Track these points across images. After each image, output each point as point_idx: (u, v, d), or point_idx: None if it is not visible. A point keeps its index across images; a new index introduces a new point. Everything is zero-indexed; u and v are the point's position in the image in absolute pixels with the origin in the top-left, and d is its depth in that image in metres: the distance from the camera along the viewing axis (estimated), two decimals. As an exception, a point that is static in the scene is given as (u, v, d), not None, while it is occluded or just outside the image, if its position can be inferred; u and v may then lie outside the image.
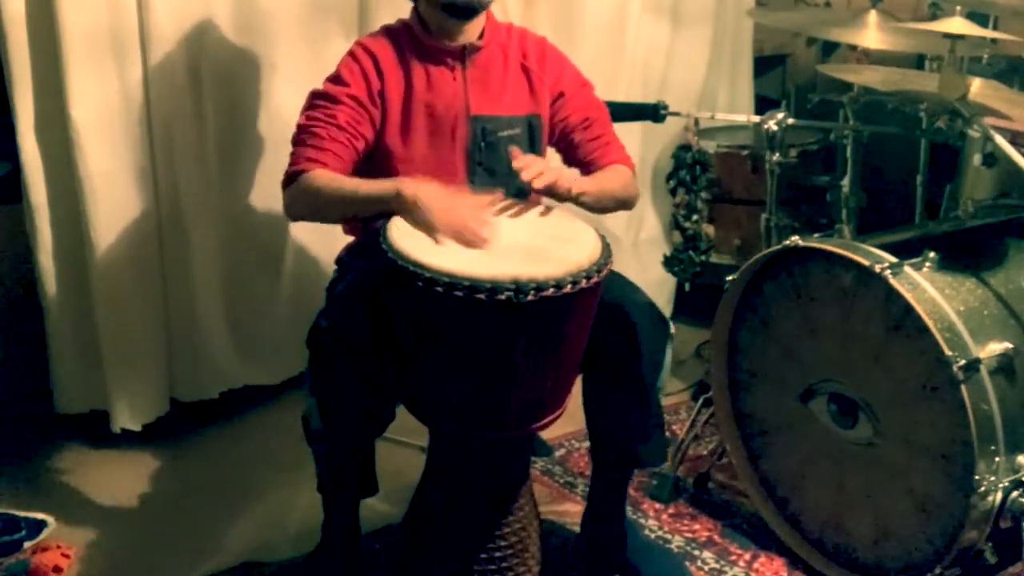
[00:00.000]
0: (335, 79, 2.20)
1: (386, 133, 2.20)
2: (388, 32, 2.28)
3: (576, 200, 2.13)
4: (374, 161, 2.19)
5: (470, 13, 2.20)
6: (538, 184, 2.02)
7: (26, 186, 2.58)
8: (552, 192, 2.08)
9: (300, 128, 2.18)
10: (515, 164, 2.03)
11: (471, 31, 2.23)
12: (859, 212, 2.80)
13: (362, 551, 2.26)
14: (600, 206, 2.24)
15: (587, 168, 2.33)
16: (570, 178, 2.11)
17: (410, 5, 2.27)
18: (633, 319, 2.05)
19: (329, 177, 2.10)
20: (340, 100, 2.16)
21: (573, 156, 2.36)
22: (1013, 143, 2.19)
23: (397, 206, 1.99)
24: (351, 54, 2.23)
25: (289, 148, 2.19)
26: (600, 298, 1.97)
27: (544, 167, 2.05)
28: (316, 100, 2.18)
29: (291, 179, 2.14)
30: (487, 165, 2.22)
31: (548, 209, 2.11)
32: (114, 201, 2.62)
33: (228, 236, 2.85)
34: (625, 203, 2.35)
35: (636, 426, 2.14)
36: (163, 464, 2.74)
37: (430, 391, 1.96)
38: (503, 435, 1.98)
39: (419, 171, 2.11)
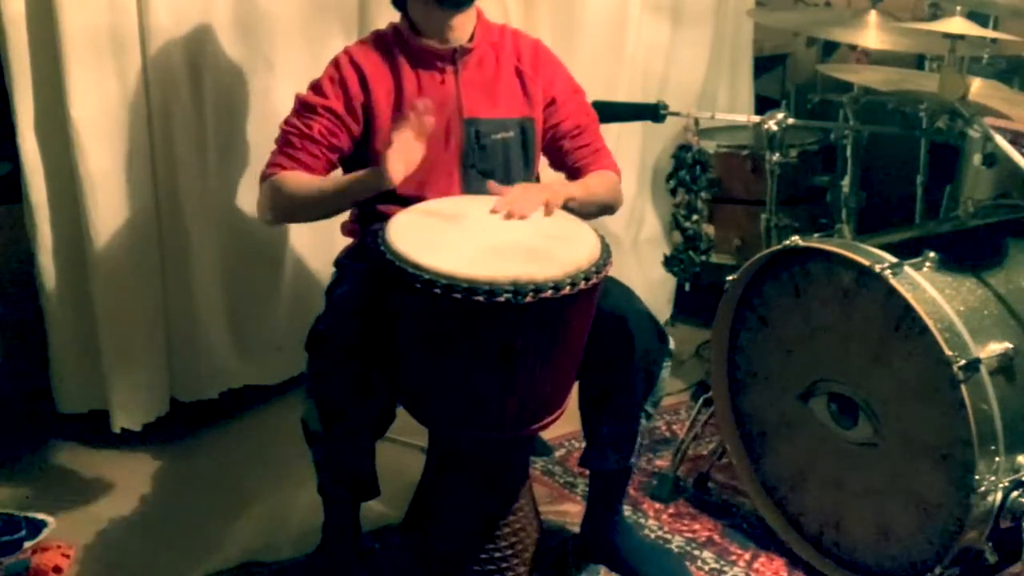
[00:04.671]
0: (316, 88, 2.22)
1: (377, 140, 2.20)
2: (377, 38, 2.28)
3: (563, 206, 2.13)
4: (368, 167, 2.19)
5: (460, 3, 2.20)
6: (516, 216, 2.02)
7: (26, 186, 2.58)
8: None
9: (280, 132, 2.21)
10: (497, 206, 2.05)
11: (461, 30, 2.23)
12: (859, 212, 2.80)
13: (362, 551, 2.27)
14: (585, 212, 2.24)
15: (574, 175, 2.35)
16: (555, 193, 2.11)
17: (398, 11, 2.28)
18: (631, 329, 2.06)
19: (296, 179, 2.14)
20: (316, 111, 2.18)
21: (562, 162, 2.37)
22: (1013, 143, 2.19)
23: (373, 178, 2.03)
24: (335, 63, 2.23)
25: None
26: (600, 307, 1.97)
27: (520, 204, 2.04)
28: (297, 107, 2.21)
29: (262, 181, 2.19)
30: (481, 168, 2.22)
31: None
32: (114, 201, 2.62)
33: (228, 236, 2.85)
34: (609, 208, 2.36)
35: (608, 429, 2.15)
36: (163, 464, 2.74)
37: (429, 392, 1.96)
38: (502, 436, 1.98)
39: (413, 175, 2.08)
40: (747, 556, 2.36)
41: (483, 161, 2.23)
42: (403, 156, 1.99)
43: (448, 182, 2.20)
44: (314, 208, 2.19)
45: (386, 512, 2.38)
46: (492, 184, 2.11)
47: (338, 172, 2.25)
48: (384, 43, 2.25)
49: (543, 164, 2.40)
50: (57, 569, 2.25)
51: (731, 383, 2.45)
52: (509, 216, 2.01)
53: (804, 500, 2.34)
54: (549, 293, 1.77)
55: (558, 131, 2.33)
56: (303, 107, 2.20)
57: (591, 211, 2.27)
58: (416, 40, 2.23)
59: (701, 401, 2.71)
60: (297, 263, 2.99)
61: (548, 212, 2.06)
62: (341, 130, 2.18)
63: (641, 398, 2.14)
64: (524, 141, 2.28)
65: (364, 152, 2.21)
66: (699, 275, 2.89)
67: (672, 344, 2.19)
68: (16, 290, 2.85)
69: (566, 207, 2.14)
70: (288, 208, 2.20)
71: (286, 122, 2.21)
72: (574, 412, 2.15)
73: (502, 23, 2.45)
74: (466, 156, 2.22)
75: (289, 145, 2.18)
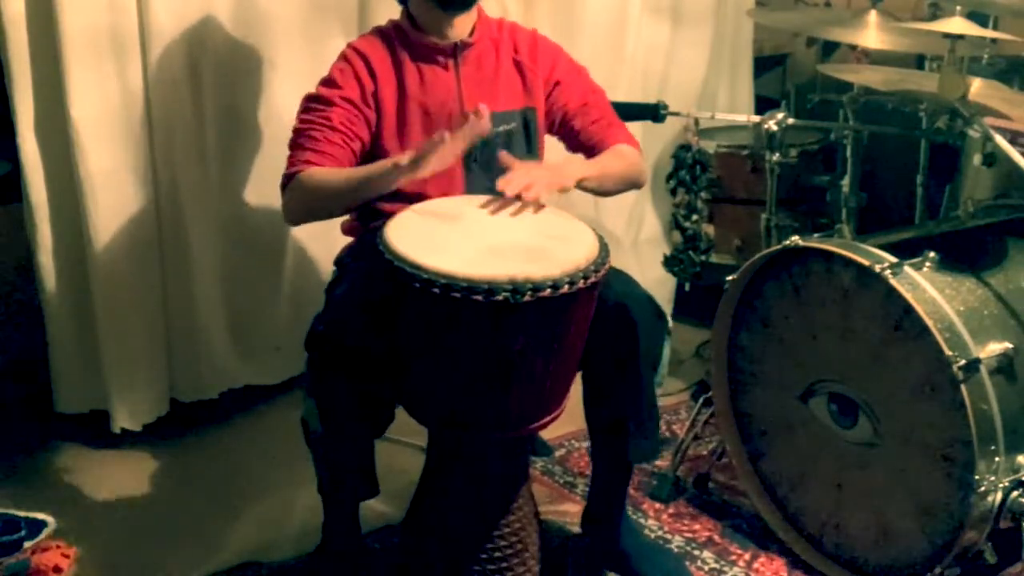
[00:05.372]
0: (328, 82, 2.21)
1: (382, 134, 2.20)
2: (379, 33, 2.28)
3: (578, 186, 2.13)
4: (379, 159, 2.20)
5: (462, 5, 2.20)
6: (528, 197, 1.99)
7: (26, 186, 2.58)
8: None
9: (295, 132, 2.19)
10: (499, 185, 2.00)
11: (462, 27, 2.23)
12: (859, 212, 2.79)
13: (362, 551, 2.27)
14: (604, 189, 2.24)
15: (590, 153, 2.32)
16: (564, 175, 2.10)
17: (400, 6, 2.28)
18: (633, 316, 2.05)
19: (324, 171, 2.12)
20: (334, 102, 2.16)
21: (576, 142, 2.35)
22: (1013, 143, 2.19)
23: (398, 173, 2.00)
24: (343, 56, 2.24)
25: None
26: (602, 296, 1.97)
27: (526, 178, 2.00)
28: (310, 103, 2.19)
29: (288, 181, 2.15)
30: (484, 161, 2.22)
31: (542, 207, 2.10)
32: (114, 201, 2.62)
33: (228, 236, 2.85)
34: (633, 183, 2.33)
35: (631, 423, 2.14)
36: (163, 464, 2.74)
37: (429, 392, 1.96)
38: (502, 435, 1.98)
39: None
40: (747, 556, 2.36)
41: (486, 154, 2.22)
42: (441, 159, 1.96)
43: (450, 176, 2.20)
44: (342, 198, 2.14)
45: (386, 512, 2.38)
46: (504, 154, 2.07)
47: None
48: (386, 38, 2.26)
49: (560, 149, 2.39)
50: (57, 569, 2.25)
51: (731, 383, 2.45)
52: (519, 196, 1.97)
53: (804, 500, 2.34)
54: (548, 292, 1.77)
55: (567, 112, 2.32)
56: (318, 101, 2.18)
57: (611, 188, 2.27)
58: (417, 35, 2.23)
59: (701, 401, 2.71)
60: (297, 263, 2.99)
61: (554, 190, 2.03)
62: (359, 119, 2.17)
63: (651, 380, 2.14)
64: (527, 132, 2.28)
65: (376, 145, 2.21)
66: (699, 275, 2.88)
67: (670, 323, 2.18)
68: (15, 290, 2.85)
69: (582, 186, 2.13)
70: (317, 202, 2.15)
71: (300, 120, 2.18)
72: (574, 412, 2.14)
73: (501, 18, 2.45)
74: (468, 150, 2.22)
75: (311, 139, 2.14)
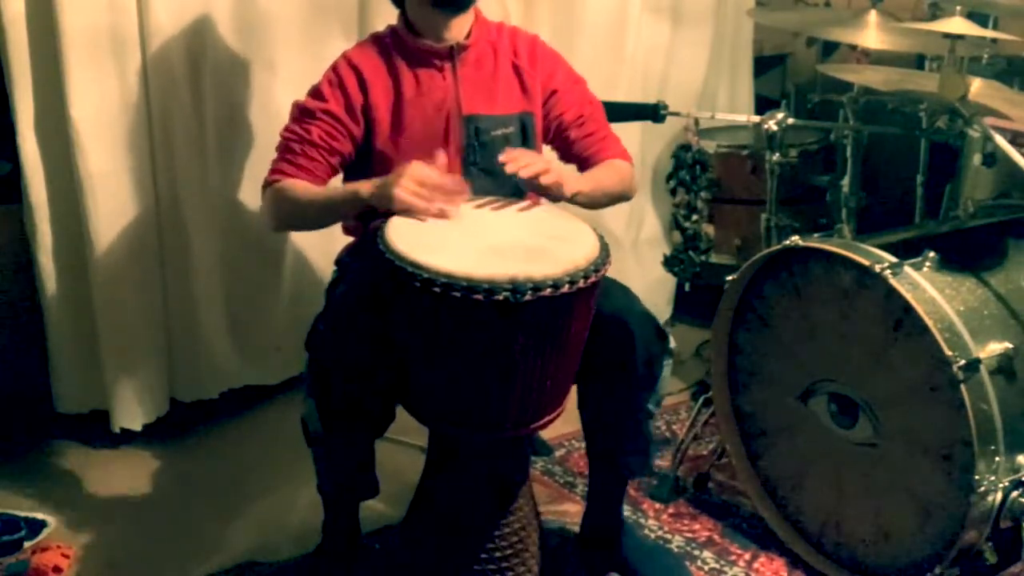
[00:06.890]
0: (315, 93, 2.22)
1: (378, 140, 2.21)
2: (375, 40, 2.29)
3: (572, 200, 2.13)
4: (372, 167, 2.20)
5: (459, 6, 2.20)
6: (524, 174, 1.99)
7: (26, 186, 2.58)
8: (545, 190, 2.07)
9: (280, 139, 2.22)
10: (501, 158, 2.02)
11: (458, 29, 2.23)
12: (859, 212, 2.79)
13: (362, 551, 2.27)
14: (596, 203, 2.25)
15: (584, 164, 2.33)
16: (562, 175, 2.08)
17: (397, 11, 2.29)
18: (631, 329, 2.05)
19: (298, 187, 2.14)
20: (316, 116, 2.18)
21: (569, 153, 2.36)
22: (1013, 143, 2.19)
23: (359, 202, 2.05)
24: (334, 68, 2.24)
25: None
26: (599, 308, 1.97)
27: (531, 159, 2.03)
28: (296, 113, 2.22)
29: (265, 187, 2.20)
30: (482, 165, 2.22)
31: (534, 205, 2.10)
32: (114, 201, 2.62)
33: (228, 236, 2.85)
34: (622, 197, 2.35)
35: (625, 436, 2.15)
36: (163, 464, 2.75)
37: (429, 392, 1.96)
38: (502, 435, 1.98)
39: None
40: (747, 556, 2.36)
41: (484, 158, 2.23)
42: (417, 196, 1.97)
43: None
44: (315, 218, 2.21)
45: (386, 512, 2.38)
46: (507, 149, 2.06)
47: (339, 182, 2.26)
48: (382, 45, 2.26)
49: (552, 158, 2.40)
50: (57, 569, 2.25)
51: (731, 383, 2.45)
52: (515, 160, 1.99)
53: (804, 500, 2.34)
54: (548, 292, 1.77)
55: (562, 122, 2.32)
56: (302, 113, 2.20)
57: (601, 202, 2.28)
58: (413, 40, 2.23)
59: (701, 401, 2.71)
60: (297, 262, 2.99)
61: (550, 185, 2.03)
62: (342, 134, 2.19)
63: (645, 398, 2.14)
64: (524, 136, 2.28)
65: (367, 155, 2.21)
66: (699, 275, 2.89)
67: (672, 343, 2.19)
68: (16, 290, 2.85)
69: (575, 201, 2.14)
70: (290, 216, 2.22)
71: (286, 128, 2.22)
72: (574, 412, 2.15)
73: (501, 22, 2.45)
74: (467, 154, 2.22)
75: (289, 151, 2.18)
